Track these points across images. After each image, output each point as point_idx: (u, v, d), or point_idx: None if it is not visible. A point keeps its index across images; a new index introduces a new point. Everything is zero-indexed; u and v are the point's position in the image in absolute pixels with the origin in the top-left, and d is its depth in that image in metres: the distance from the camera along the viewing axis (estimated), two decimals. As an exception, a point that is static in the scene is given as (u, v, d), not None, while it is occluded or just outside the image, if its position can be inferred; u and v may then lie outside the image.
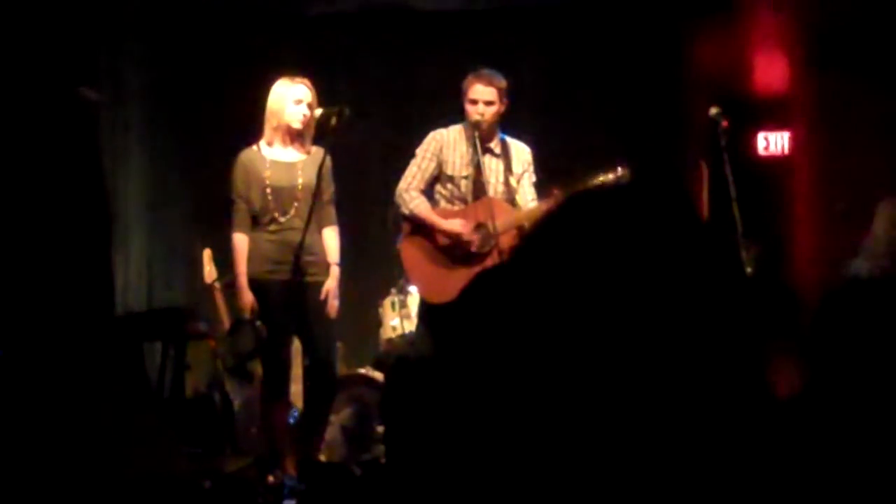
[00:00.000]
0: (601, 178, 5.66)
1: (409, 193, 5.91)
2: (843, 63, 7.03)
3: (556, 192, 5.68)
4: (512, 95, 5.94)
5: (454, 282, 5.64)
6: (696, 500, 1.27)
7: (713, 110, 5.94)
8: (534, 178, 5.97)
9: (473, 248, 5.83)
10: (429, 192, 6.01)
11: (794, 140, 7.61)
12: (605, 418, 1.31)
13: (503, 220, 5.73)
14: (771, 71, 7.68)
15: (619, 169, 5.69)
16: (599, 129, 6.98)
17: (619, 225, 1.36)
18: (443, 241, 5.89)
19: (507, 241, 5.70)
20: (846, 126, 7.09)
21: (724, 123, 5.91)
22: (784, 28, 7.63)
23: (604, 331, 1.32)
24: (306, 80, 5.65)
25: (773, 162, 7.48)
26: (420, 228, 5.93)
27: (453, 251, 5.87)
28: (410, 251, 5.97)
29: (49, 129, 4.47)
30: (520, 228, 5.71)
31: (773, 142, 7.64)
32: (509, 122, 6.05)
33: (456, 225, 5.84)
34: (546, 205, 5.65)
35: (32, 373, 4.03)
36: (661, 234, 1.36)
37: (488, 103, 5.81)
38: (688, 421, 1.29)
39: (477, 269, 5.62)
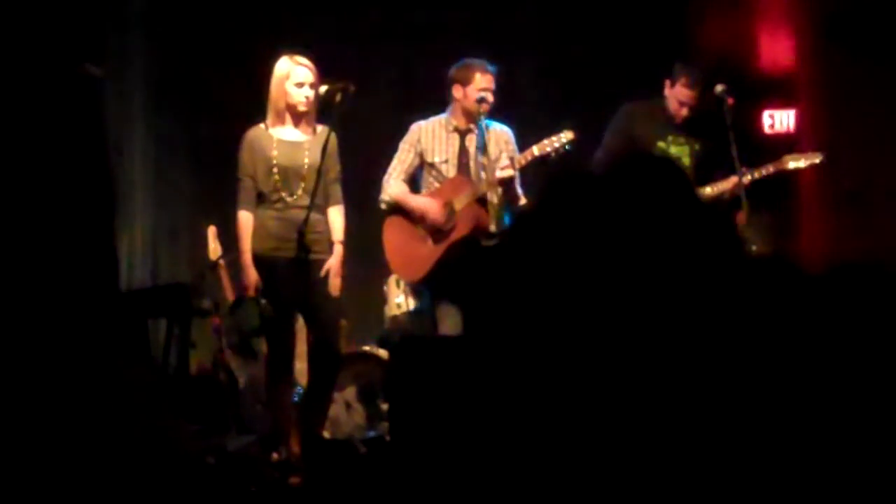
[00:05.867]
0: (545, 142, 5.73)
1: (389, 182, 6.10)
2: (849, 40, 7.01)
3: (512, 161, 5.82)
4: (515, 73, 5.99)
5: (421, 259, 5.95)
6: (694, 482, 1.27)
7: (718, 88, 5.93)
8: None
9: (439, 225, 5.93)
10: (416, 181, 6.14)
11: (799, 118, 7.59)
12: (601, 403, 1.30)
13: (462, 197, 5.86)
14: (776, 48, 7.66)
15: (564, 133, 5.73)
16: (600, 105, 6.93)
17: (613, 204, 1.35)
18: (414, 219, 6.02)
19: (465, 217, 5.86)
20: (852, 103, 7.08)
21: (730, 101, 5.89)
22: (790, 4, 7.60)
23: (599, 309, 1.31)
24: (308, 61, 5.63)
25: (779, 140, 7.46)
26: (397, 210, 6.07)
27: (423, 229, 5.99)
28: (390, 232, 6.11)
29: (53, 106, 4.46)
30: (477, 203, 5.84)
31: (778, 119, 7.63)
32: (512, 101, 6.10)
33: (424, 203, 5.98)
34: (495, 179, 5.79)
35: (37, 350, 4.03)
36: (657, 210, 1.36)
37: (493, 92, 5.96)
38: (686, 408, 1.29)
39: (441, 246, 5.88)
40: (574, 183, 1.41)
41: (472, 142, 6.01)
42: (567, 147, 5.69)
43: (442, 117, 6.11)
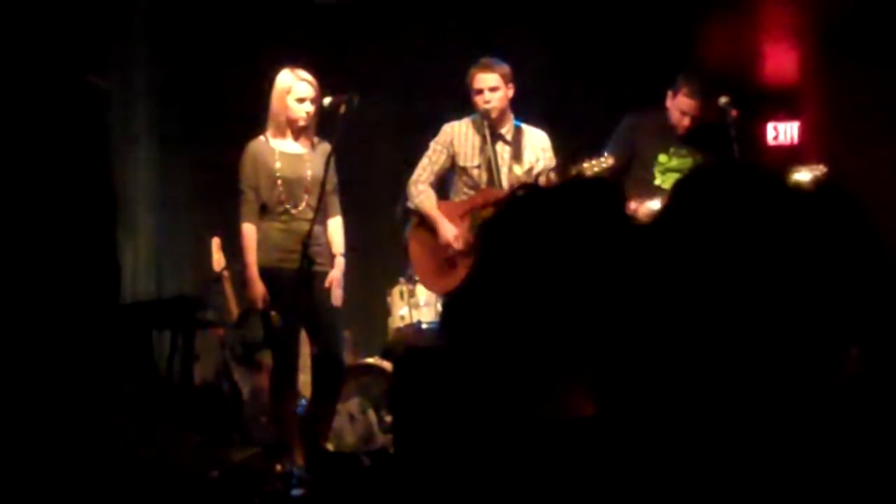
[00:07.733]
0: (586, 165, 5.67)
1: (417, 187, 5.98)
2: (853, 52, 7.01)
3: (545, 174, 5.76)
4: (517, 84, 5.95)
5: (450, 278, 5.82)
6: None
7: (722, 100, 5.93)
8: (552, 166, 5.94)
9: (463, 253, 5.80)
10: (448, 183, 6.04)
11: (803, 130, 7.59)
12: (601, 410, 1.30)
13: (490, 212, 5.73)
14: (781, 60, 7.65)
15: (605, 156, 5.68)
16: (606, 118, 6.94)
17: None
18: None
19: None
20: (856, 116, 7.07)
21: (734, 113, 5.89)
22: (794, 17, 7.60)
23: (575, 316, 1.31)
24: (310, 76, 5.63)
25: (783, 152, 7.46)
26: (425, 221, 5.98)
27: (450, 247, 5.91)
28: (416, 242, 6.03)
29: (57, 118, 4.47)
30: None
31: (782, 132, 7.62)
32: (514, 110, 6.06)
33: (448, 230, 5.86)
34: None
35: (41, 362, 4.03)
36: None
37: (493, 89, 5.85)
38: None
39: (467, 267, 5.69)
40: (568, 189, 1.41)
41: (504, 148, 5.92)
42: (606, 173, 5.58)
43: (472, 118, 5.98)
